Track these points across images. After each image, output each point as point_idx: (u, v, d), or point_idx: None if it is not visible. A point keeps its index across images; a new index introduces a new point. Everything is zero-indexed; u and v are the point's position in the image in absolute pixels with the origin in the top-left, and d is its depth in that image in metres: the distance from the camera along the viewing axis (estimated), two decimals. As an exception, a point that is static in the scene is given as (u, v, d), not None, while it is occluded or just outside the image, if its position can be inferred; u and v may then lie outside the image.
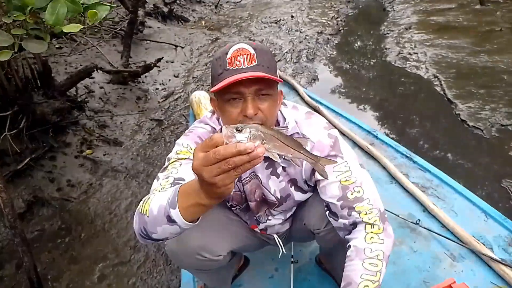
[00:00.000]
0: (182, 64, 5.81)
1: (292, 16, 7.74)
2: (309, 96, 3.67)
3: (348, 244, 1.25)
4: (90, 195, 3.06)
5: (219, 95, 1.21)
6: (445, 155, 3.25)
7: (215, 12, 8.91)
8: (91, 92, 4.31)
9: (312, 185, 1.41)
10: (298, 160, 0.95)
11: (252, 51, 1.15)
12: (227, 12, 8.90)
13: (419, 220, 2.02)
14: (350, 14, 7.97)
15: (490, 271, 1.76)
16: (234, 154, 0.74)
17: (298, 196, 1.43)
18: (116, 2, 5.42)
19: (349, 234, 1.26)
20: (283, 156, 0.89)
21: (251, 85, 1.13)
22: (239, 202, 1.47)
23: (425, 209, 2.16)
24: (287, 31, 6.96)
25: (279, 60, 5.65)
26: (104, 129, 3.87)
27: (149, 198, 1.08)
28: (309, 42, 6.37)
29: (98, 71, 4.33)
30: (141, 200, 1.11)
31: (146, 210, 1.04)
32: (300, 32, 6.85)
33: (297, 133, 1.33)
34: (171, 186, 1.13)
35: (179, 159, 1.27)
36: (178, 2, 8.41)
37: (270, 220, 1.54)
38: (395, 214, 2.05)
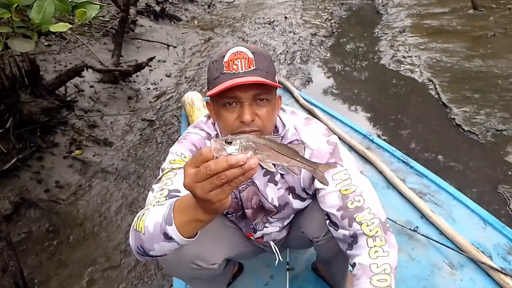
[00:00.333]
0: (174, 63, 5.73)
1: (286, 17, 7.70)
2: (304, 98, 3.62)
3: (353, 262, 1.20)
4: (79, 196, 2.98)
5: (215, 100, 1.16)
6: (439, 159, 3.23)
7: (208, 11, 8.84)
8: (80, 91, 4.22)
9: (311, 193, 1.36)
10: (296, 168, 0.89)
11: (251, 55, 1.10)
12: (220, 12, 8.84)
13: (417, 227, 1.98)
14: (343, 16, 7.96)
15: (490, 280, 1.73)
16: (226, 168, 0.70)
17: (297, 204, 1.39)
18: (107, 0, 5.33)
19: (351, 249, 1.21)
20: (279, 166, 0.84)
21: (248, 90, 1.08)
22: (235, 209, 1.42)
23: (423, 215, 2.13)
24: (280, 32, 6.92)
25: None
26: (94, 129, 3.79)
27: (143, 214, 1.03)
28: (303, 44, 6.34)
29: (88, 70, 4.24)
30: (135, 216, 1.06)
31: (141, 228, 0.99)
32: (294, 33, 6.81)
33: (297, 139, 1.28)
34: (166, 199, 1.10)
35: (173, 169, 1.22)
36: (170, 1, 8.32)
37: (267, 227, 1.49)
38: (393, 221, 2.01)
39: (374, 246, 1.17)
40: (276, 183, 1.33)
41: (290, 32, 6.89)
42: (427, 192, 2.33)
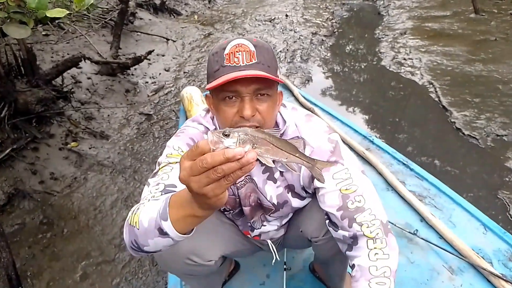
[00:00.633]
0: (173, 58, 5.69)
1: (287, 15, 7.67)
2: (304, 97, 3.60)
3: (352, 263, 1.17)
4: (74, 189, 2.93)
5: (215, 93, 1.13)
6: (435, 163, 3.22)
7: (209, 7, 8.81)
8: (78, 83, 4.17)
9: (311, 192, 1.33)
10: (294, 165, 0.87)
11: (252, 48, 1.07)
12: (221, 7, 8.80)
13: (416, 230, 1.96)
14: (344, 16, 7.94)
15: (490, 286, 1.71)
16: (222, 162, 0.67)
17: (296, 202, 1.36)
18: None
19: (350, 250, 1.19)
20: (277, 161, 0.81)
21: (249, 84, 1.05)
22: (232, 206, 1.39)
23: (422, 219, 2.11)
24: (281, 30, 6.89)
25: (272, 59, 5.57)
26: (90, 121, 3.74)
27: (138, 208, 1.00)
28: (303, 42, 6.31)
29: (86, 61, 4.19)
30: (130, 211, 1.03)
31: (135, 222, 0.95)
32: (295, 31, 6.78)
33: (297, 136, 1.25)
34: (161, 194, 1.06)
35: (169, 163, 1.19)
36: (170, -5, 8.27)
37: (265, 226, 1.46)
38: (392, 223, 1.99)
39: (374, 248, 1.14)
40: (275, 181, 1.30)
41: (291, 30, 6.86)
42: (427, 195, 2.31)
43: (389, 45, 5.91)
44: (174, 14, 7.78)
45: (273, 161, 0.79)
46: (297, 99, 3.62)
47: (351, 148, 2.74)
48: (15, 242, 2.48)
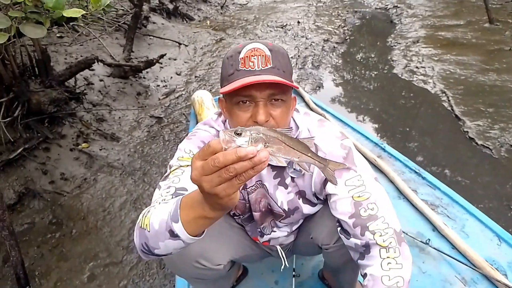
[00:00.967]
0: (185, 62, 5.71)
1: (299, 22, 7.68)
2: (315, 103, 3.58)
3: (364, 273, 1.14)
4: (84, 190, 2.94)
5: (228, 97, 1.12)
6: (446, 173, 3.17)
7: (221, 12, 8.85)
8: (90, 84, 4.20)
9: (322, 198, 1.31)
10: (306, 164, 0.85)
11: (268, 52, 1.06)
12: (233, 13, 8.84)
13: (429, 239, 1.93)
14: (356, 24, 7.92)
15: (505, 299, 1.67)
16: (235, 161, 0.67)
17: (307, 209, 1.34)
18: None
19: (362, 259, 1.16)
20: (289, 160, 0.79)
21: (264, 89, 1.04)
22: (242, 211, 1.37)
23: (434, 228, 2.07)
24: (293, 37, 6.89)
25: (284, 65, 5.56)
26: (101, 123, 3.76)
27: (148, 211, 0.99)
28: (314, 49, 6.30)
29: (99, 63, 4.23)
30: (141, 213, 1.03)
31: (146, 225, 0.95)
32: (306, 38, 6.78)
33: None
34: (172, 198, 1.05)
35: (181, 166, 1.18)
36: (183, 0, 8.33)
37: (274, 232, 1.45)
38: (403, 232, 1.94)
39: (387, 257, 1.11)
40: (286, 187, 1.29)
41: (303, 36, 6.86)
42: (439, 204, 2.27)
43: (402, 53, 5.87)
44: (187, 19, 7.84)
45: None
46: (308, 105, 3.60)
47: (362, 155, 2.71)
48: (24, 241, 2.49)
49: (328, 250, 1.37)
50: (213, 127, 1.31)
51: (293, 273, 1.77)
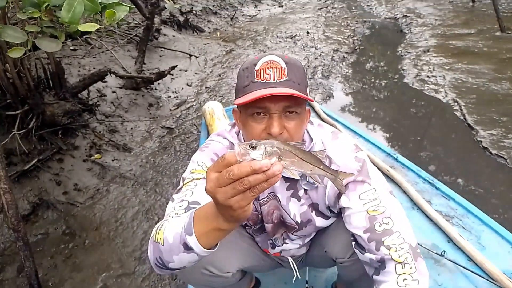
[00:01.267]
0: (196, 73, 5.76)
1: (308, 33, 7.71)
2: (325, 112, 3.58)
3: None
4: (97, 200, 2.97)
5: (243, 108, 1.12)
6: (459, 182, 3.14)
7: (231, 24, 8.93)
8: (103, 96, 4.25)
9: (336, 211, 1.30)
10: (318, 176, 0.88)
11: (284, 65, 1.07)
12: (243, 25, 8.91)
13: (444, 251, 1.90)
14: (366, 33, 7.94)
15: (524, 313, 1.63)
16: (249, 173, 0.69)
17: (320, 222, 1.33)
18: (133, 8, 5.41)
19: (377, 274, 1.14)
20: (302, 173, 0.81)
21: (279, 102, 1.05)
22: (254, 222, 1.37)
23: (450, 239, 2.04)
24: (302, 47, 6.92)
25: (294, 75, 5.57)
26: (114, 134, 3.80)
27: (162, 225, 1.00)
28: (324, 59, 6.31)
29: (111, 75, 4.28)
30: (154, 227, 1.04)
31: (160, 239, 0.96)
32: (316, 48, 6.80)
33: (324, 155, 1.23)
34: (185, 211, 1.07)
35: (193, 179, 1.19)
36: (194, 12, 8.44)
37: (286, 243, 1.44)
38: (418, 244, 1.92)
39: (403, 273, 1.08)
40: (299, 199, 1.28)
41: (312, 47, 6.88)
42: (454, 215, 2.24)
43: (412, 63, 5.85)
44: (197, 31, 7.93)
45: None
46: (318, 115, 3.60)
47: (375, 165, 2.69)
48: (38, 251, 2.50)
49: (342, 264, 1.35)
50: (226, 139, 1.31)
51: (306, 285, 1.75)
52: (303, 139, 1.25)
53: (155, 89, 4.94)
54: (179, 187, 1.20)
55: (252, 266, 1.50)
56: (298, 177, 0.82)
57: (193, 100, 4.92)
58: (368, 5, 10.28)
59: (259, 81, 1.06)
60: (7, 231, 2.55)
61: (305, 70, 5.73)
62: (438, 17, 8.04)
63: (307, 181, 1.25)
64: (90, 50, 5.03)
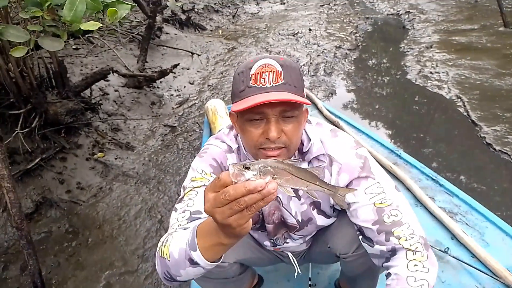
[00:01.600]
0: (198, 71, 5.76)
1: (310, 30, 7.69)
2: (328, 110, 3.57)
3: (388, 272, 1.11)
4: (100, 199, 2.97)
5: (240, 113, 1.11)
6: (461, 179, 3.12)
7: (232, 22, 8.92)
8: (105, 95, 4.26)
9: (339, 209, 1.29)
10: (315, 192, 0.89)
11: (279, 68, 1.05)
12: (244, 22, 8.90)
13: (447, 248, 1.89)
14: (368, 30, 7.90)
15: (528, 309, 1.62)
16: (244, 194, 0.70)
17: (321, 220, 1.32)
18: (135, 7, 5.41)
19: (388, 261, 1.13)
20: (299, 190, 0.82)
21: (275, 106, 1.04)
22: (255, 221, 1.37)
23: (453, 236, 2.03)
24: (304, 44, 6.90)
25: (296, 73, 5.55)
26: (116, 133, 3.81)
27: (167, 240, 1.03)
28: (326, 56, 6.29)
29: (114, 74, 4.29)
30: (159, 242, 1.07)
31: (166, 254, 0.99)
32: (318, 45, 6.78)
33: (323, 154, 1.22)
34: (188, 222, 1.09)
35: (194, 187, 1.20)
36: (196, 10, 8.43)
37: (288, 243, 1.43)
38: (422, 240, 1.92)
39: (414, 259, 1.07)
40: (299, 198, 1.28)
41: (314, 44, 6.87)
42: (457, 212, 2.22)
43: (415, 59, 5.82)
44: (199, 29, 7.92)
45: (293, 190, 0.81)
46: (321, 112, 3.59)
47: (378, 162, 2.68)
48: (42, 250, 2.51)
49: (346, 259, 1.34)
50: (224, 142, 1.30)
51: (309, 282, 1.75)
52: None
53: (158, 87, 4.95)
54: (180, 197, 1.21)
55: (249, 259, 1.49)
56: (293, 194, 0.83)
57: (195, 98, 4.92)
58: (370, 2, 10.24)
59: (255, 85, 1.05)
60: (10, 229, 2.56)
61: (308, 67, 5.74)
62: (441, 13, 8.00)
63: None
64: (92, 49, 5.04)
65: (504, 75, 4.78)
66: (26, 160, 2.94)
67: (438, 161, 3.45)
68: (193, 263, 0.91)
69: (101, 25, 1.89)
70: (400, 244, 1.09)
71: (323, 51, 6.49)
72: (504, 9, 6.41)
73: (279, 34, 7.55)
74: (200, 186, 1.19)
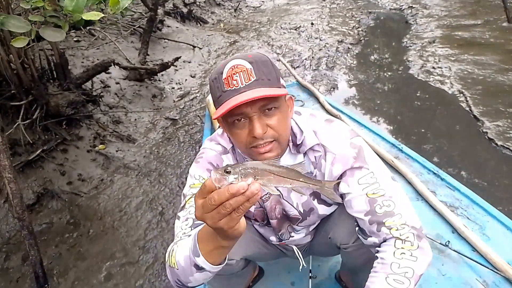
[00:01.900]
0: (199, 64, 5.75)
1: (312, 24, 7.66)
2: (329, 104, 3.56)
3: (376, 255, 1.12)
4: (101, 190, 2.98)
5: (223, 119, 1.11)
6: (465, 174, 3.11)
7: (234, 15, 8.89)
8: (106, 87, 4.25)
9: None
10: (303, 188, 0.90)
11: (248, 66, 1.04)
12: (246, 16, 8.87)
13: (448, 241, 1.88)
14: (371, 25, 7.86)
15: (528, 303, 1.63)
16: (228, 197, 0.73)
17: (322, 209, 1.33)
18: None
19: (378, 247, 1.14)
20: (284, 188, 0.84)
21: (254, 104, 1.03)
22: (262, 218, 1.39)
23: (454, 230, 2.03)
24: (306, 38, 6.88)
25: (297, 67, 5.55)
26: (118, 125, 3.80)
27: (173, 250, 1.07)
28: (329, 50, 6.27)
29: (115, 66, 4.28)
30: (166, 252, 1.12)
31: (174, 263, 1.04)
32: (320, 39, 6.75)
33: (317, 144, 1.21)
34: (191, 229, 1.13)
35: (194, 194, 1.19)
36: (197, 3, 8.40)
37: (293, 237, 1.44)
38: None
39: (402, 248, 1.07)
40: None
41: (316, 38, 6.84)
42: (459, 205, 2.22)
43: (417, 54, 5.80)
44: (201, 22, 7.89)
45: (278, 189, 0.85)
46: (323, 106, 3.58)
47: (379, 156, 2.68)
48: (43, 240, 2.53)
49: (346, 250, 1.35)
50: (219, 144, 1.30)
51: (310, 274, 1.75)
52: (294, 132, 1.22)
53: (159, 80, 4.94)
54: (182, 205, 1.22)
55: (255, 254, 1.50)
56: (278, 193, 0.85)
57: (196, 91, 4.91)
58: (373, -4, 10.18)
59: (228, 89, 1.04)
60: (12, 220, 2.57)
61: (310, 61, 5.72)
62: (444, 8, 7.95)
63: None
64: (93, 41, 5.03)
65: (507, 70, 4.75)
66: (27, 151, 2.94)
67: (440, 155, 3.44)
68: (199, 268, 0.95)
69: (103, 15, 1.89)
70: (390, 234, 1.10)
71: (325, 45, 6.47)
72: (508, 4, 6.36)
73: (281, 28, 7.52)
74: None
